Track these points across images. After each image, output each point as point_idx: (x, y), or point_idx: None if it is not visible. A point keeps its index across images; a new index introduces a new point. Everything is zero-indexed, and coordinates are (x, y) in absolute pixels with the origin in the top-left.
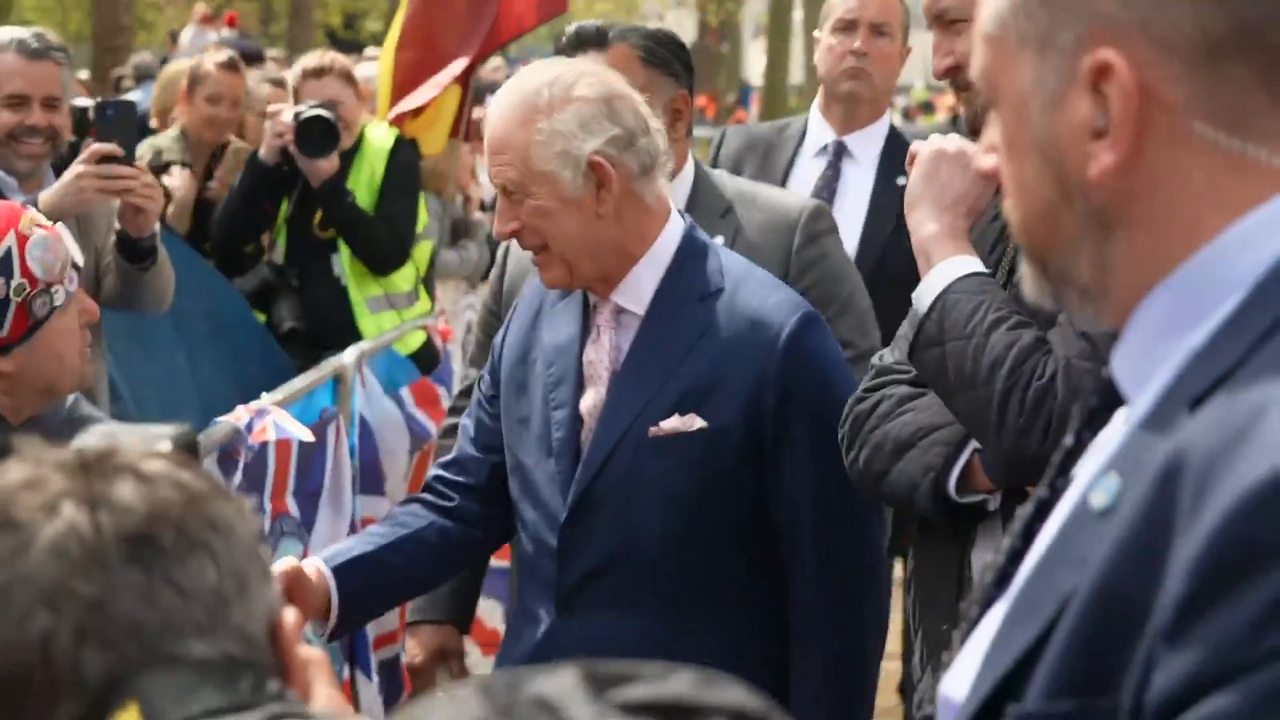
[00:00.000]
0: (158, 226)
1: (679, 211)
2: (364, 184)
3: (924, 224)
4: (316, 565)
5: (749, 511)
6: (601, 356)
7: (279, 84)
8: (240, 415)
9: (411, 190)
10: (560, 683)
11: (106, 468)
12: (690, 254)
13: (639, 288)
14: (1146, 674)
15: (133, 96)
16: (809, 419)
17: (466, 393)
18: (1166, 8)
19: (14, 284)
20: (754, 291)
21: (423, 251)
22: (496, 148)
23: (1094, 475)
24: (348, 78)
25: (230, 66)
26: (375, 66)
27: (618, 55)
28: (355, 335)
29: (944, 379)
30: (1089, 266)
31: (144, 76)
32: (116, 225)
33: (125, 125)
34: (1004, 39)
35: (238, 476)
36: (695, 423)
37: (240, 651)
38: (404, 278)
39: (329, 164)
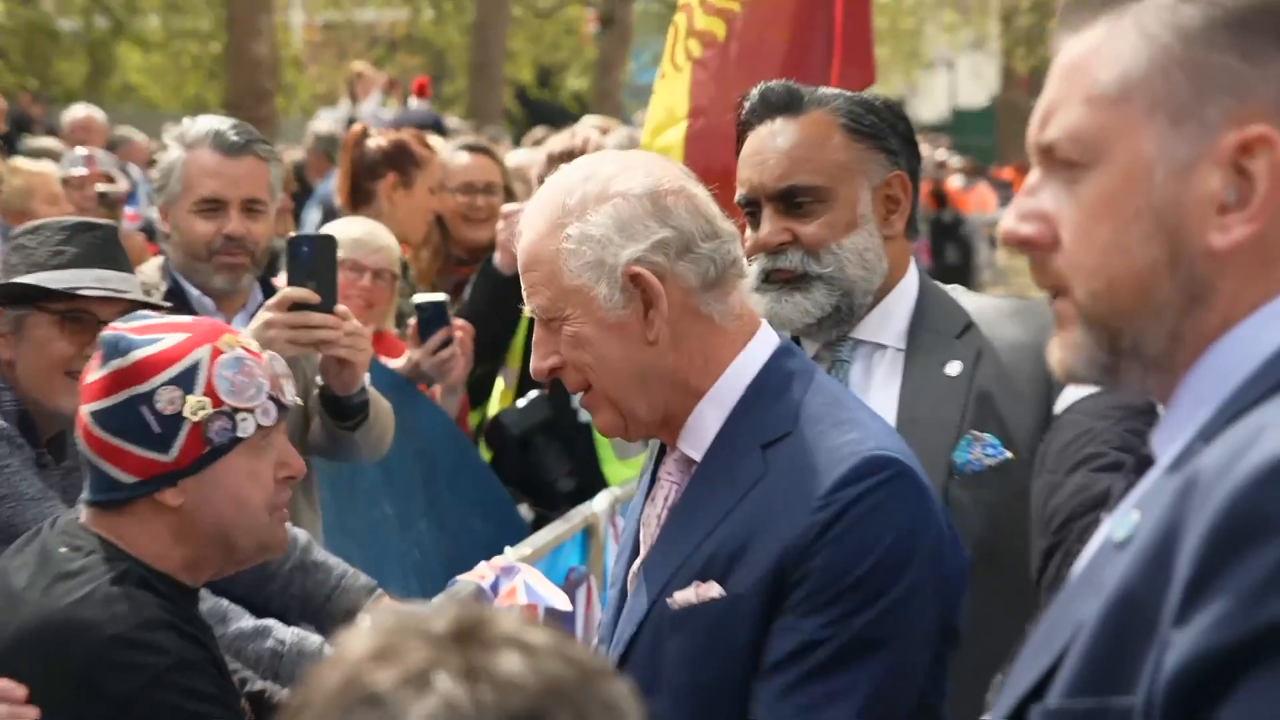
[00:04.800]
0: (367, 379)
1: (779, 335)
2: None
3: None
4: None
5: None
6: (652, 518)
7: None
8: (484, 573)
9: None
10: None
11: (486, 637)
12: (764, 389)
13: (701, 432)
14: (1159, 667)
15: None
16: (816, 576)
17: None
18: None
19: (192, 401)
20: (822, 434)
21: None
22: (525, 263)
23: (1115, 516)
24: None
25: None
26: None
27: (814, 124)
28: (601, 481)
29: (1035, 513)
30: (1165, 337)
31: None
32: (319, 380)
33: (323, 264)
34: (1128, 102)
35: None
36: (710, 593)
37: None
38: None
39: None
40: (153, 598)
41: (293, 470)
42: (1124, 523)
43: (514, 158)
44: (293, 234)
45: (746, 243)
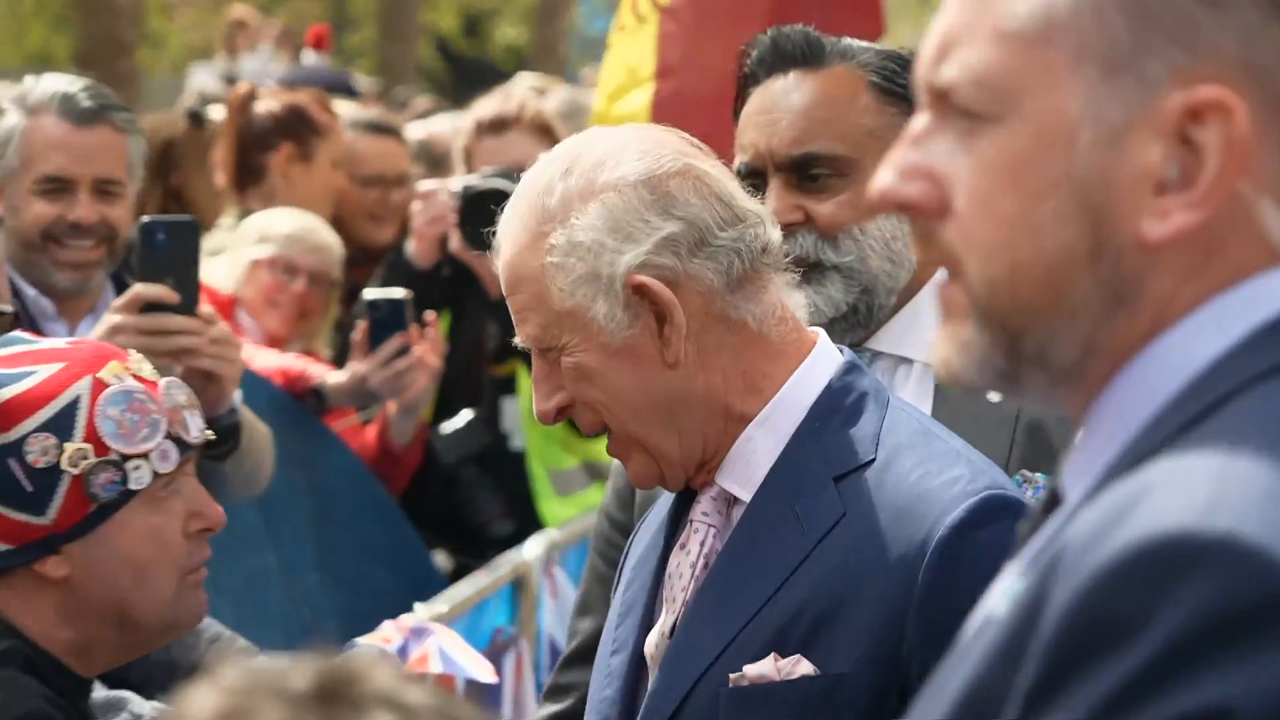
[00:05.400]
0: (238, 397)
1: (837, 347)
2: None
3: None
4: None
5: None
6: (684, 570)
7: (383, 131)
8: (389, 636)
9: None
10: None
11: (353, 697)
12: (833, 411)
13: (750, 464)
14: None
15: None
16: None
17: None
18: None
19: (70, 449)
20: (918, 465)
21: None
22: (509, 284)
23: (1006, 584)
24: (543, 130)
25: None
26: (573, 98)
27: (837, 81)
28: (535, 521)
29: None
30: (1078, 344)
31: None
32: None
33: (183, 255)
34: (1049, 44)
35: None
36: (799, 668)
37: None
38: None
39: None
40: (37, 686)
41: (209, 521)
42: (1007, 596)
43: (434, 126)
44: (146, 218)
45: None
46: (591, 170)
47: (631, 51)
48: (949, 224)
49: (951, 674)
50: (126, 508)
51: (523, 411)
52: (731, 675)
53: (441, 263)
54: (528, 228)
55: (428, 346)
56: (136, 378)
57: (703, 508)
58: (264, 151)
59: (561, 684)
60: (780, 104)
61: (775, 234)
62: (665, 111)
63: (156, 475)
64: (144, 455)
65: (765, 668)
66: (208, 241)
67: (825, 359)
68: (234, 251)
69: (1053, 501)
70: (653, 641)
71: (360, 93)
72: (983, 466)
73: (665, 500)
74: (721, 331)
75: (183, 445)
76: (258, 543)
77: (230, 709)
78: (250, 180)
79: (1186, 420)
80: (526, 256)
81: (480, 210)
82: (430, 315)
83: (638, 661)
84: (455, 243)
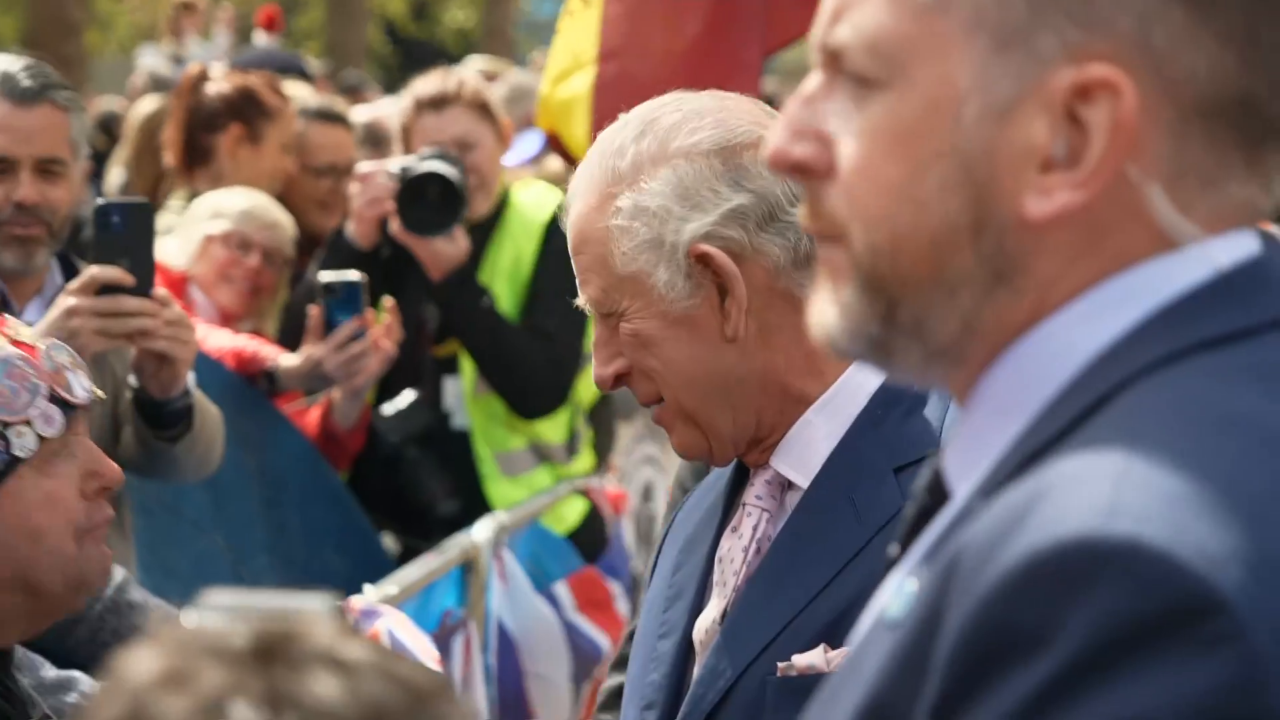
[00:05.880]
0: (191, 379)
1: None
2: (505, 274)
3: None
4: None
5: None
6: (736, 554)
7: (333, 119)
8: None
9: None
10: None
11: (292, 655)
12: (896, 400)
13: (809, 447)
14: None
15: None
16: None
17: None
18: (1187, 47)
19: None
20: None
21: (588, 383)
22: (574, 244)
23: (895, 585)
24: (482, 109)
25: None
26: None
27: None
28: (482, 504)
29: None
30: (955, 322)
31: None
32: (132, 380)
33: (139, 238)
34: (944, 13)
35: None
36: None
37: None
38: (556, 422)
39: (455, 247)
40: None
41: (106, 479)
42: (900, 595)
43: (383, 109)
44: (101, 200)
45: None
46: (666, 135)
47: (577, 35)
48: (835, 188)
49: (847, 680)
50: (15, 475)
51: (466, 392)
52: (780, 664)
53: (381, 244)
54: (597, 188)
55: (383, 330)
56: (15, 343)
57: (756, 491)
58: (212, 132)
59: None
60: None
61: None
62: (607, 94)
63: (42, 440)
64: (26, 422)
65: (815, 658)
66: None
67: None
68: (186, 229)
69: (935, 485)
70: (702, 627)
71: (312, 75)
72: None
73: (714, 479)
74: (785, 309)
75: (67, 407)
76: (207, 525)
77: (169, 670)
78: (198, 161)
79: (1078, 413)
80: (593, 217)
81: (418, 195)
82: (388, 301)
83: (686, 646)
84: (395, 227)
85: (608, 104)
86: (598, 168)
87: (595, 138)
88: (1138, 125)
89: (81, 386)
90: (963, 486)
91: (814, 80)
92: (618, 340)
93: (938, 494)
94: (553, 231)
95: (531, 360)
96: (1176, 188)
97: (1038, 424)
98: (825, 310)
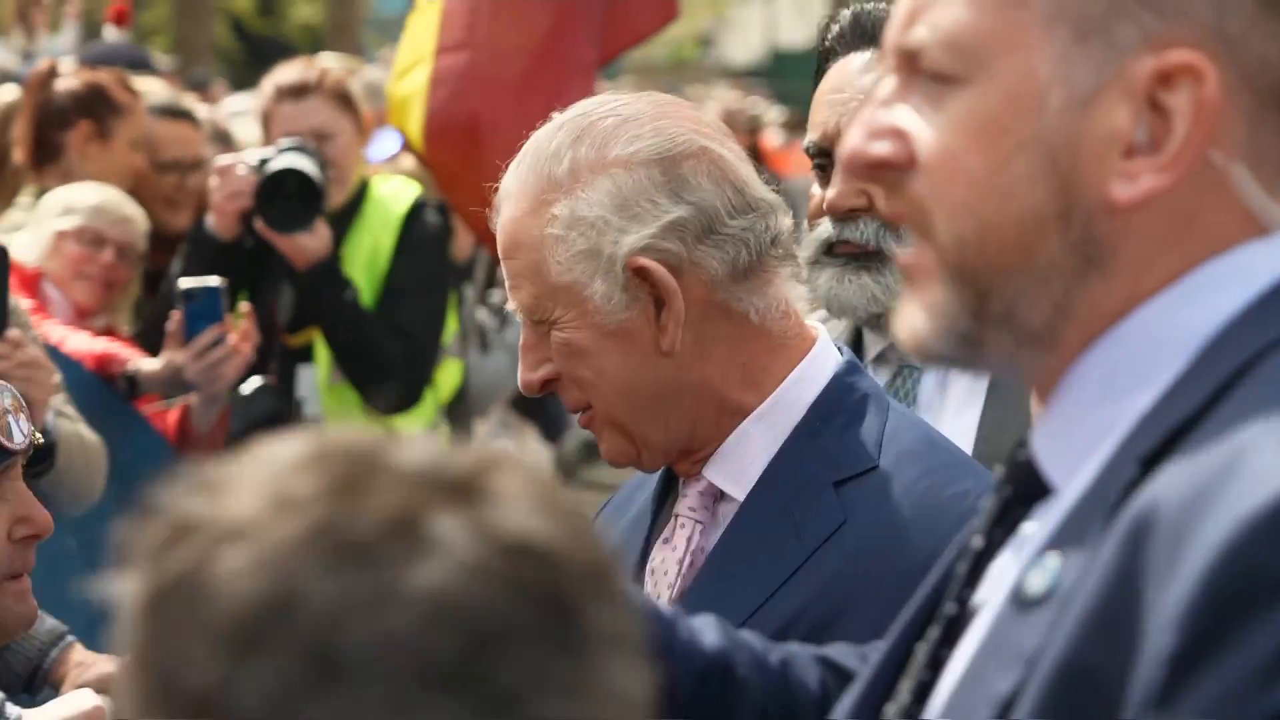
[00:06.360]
0: (51, 417)
1: (834, 344)
2: (362, 266)
3: None
4: None
5: None
6: (670, 566)
7: (179, 115)
8: None
9: (438, 279)
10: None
11: (488, 491)
12: (833, 412)
13: (744, 461)
14: None
15: None
16: None
17: None
18: (1260, 36)
19: None
20: (924, 475)
21: (449, 375)
22: (504, 248)
23: (1027, 563)
24: (343, 99)
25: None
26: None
27: None
28: None
29: None
30: (1047, 308)
31: None
32: None
33: None
34: (1023, 6)
35: None
36: None
37: None
38: (414, 415)
39: (317, 240)
40: None
41: (36, 527)
42: (1040, 569)
43: (231, 106)
44: None
45: (813, 201)
46: (604, 142)
47: (420, 30)
48: (919, 178)
49: (987, 665)
50: None
51: (320, 381)
52: None
53: (244, 235)
54: (530, 193)
55: (241, 335)
56: None
57: (689, 502)
58: (62, 129)
59: None
60: (854, 83)
61: (786, 224)
62: (441, 89)
63: None
64: None
65: None
66: (5, 219)
67: (826, 357)
68: (37, 225)
69: (1025, 472)
70: None
71: (160, 71)
72: (987, 479)
73: (636, 484)
74: (721, 322)
75: (3, 451)
76: (58, 527)
77: (342, 479)
78: (48, 158)
79: (1222, 382)
80: (527, 223)
81: (277, 191)
82: (245, 306)
83: None
84: (258, 223)
85: (442, 97)
86: (531, 171)
87: (429, 131)
88: (1220, 109)
89: (21, 431)
90: (1079, 469)
91: (888, 83)
92: (547, 346)
93: (1025, 481)
94: (411, 224)
95: (390, 356)
96: (1258, 173)
97: (1173, 395)
98: (913, 315)
